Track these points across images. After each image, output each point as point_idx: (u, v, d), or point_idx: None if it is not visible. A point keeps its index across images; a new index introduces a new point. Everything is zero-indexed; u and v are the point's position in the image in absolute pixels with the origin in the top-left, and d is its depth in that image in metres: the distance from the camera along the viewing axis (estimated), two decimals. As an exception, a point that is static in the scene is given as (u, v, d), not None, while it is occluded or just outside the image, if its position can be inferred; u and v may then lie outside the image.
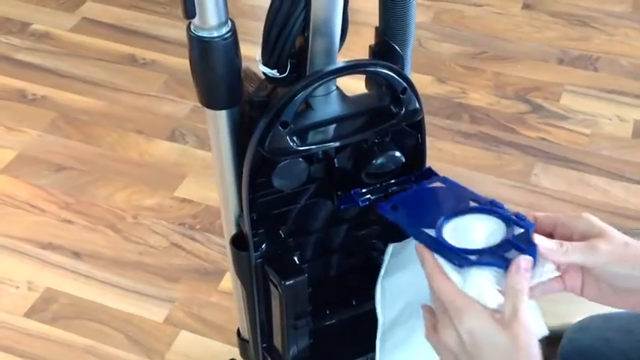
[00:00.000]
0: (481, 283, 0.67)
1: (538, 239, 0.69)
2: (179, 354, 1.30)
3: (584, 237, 0.70)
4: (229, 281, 1.20)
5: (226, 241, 0.91)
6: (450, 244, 0.70)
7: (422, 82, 1.79)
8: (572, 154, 1.67)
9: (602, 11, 2.08)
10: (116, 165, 1.63)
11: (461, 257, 0.69)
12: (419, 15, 1.99)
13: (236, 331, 1.09)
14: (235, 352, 1.13)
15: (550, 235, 0.71)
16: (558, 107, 1.79)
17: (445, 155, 1.65)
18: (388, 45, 0.84)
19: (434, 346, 0.70)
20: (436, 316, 0.69)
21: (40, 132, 1.70)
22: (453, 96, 1.81)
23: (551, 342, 1.19)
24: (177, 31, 1.92)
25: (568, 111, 1.77)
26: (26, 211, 1.53)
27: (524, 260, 0.67)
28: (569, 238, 0.70)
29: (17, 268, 1.43)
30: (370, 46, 0.86)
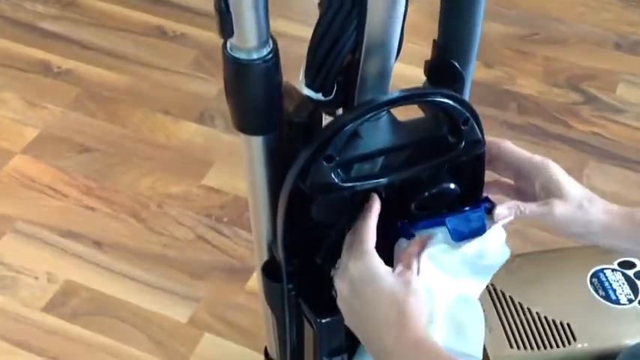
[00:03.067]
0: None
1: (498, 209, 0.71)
2: (203, 358, 1.23)
3: (542, 189, 0.73)
4: (257, 281, 1.14)
5: (257, 268, 0.83)
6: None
7: (467, 66, 1.67)
8: (628, 152, 1.55)
9: (665, -9, 1.93)
10: (141, 148, 1.55)
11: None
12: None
13: (263, 349, 1.02)
14: (262, 358, 1.06)
15: (512, 170, 0.75)
16: (614, 99, 1.66)
17: (490, 149, 1.54)
18: (448, 63, 0.74)
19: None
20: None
21: (63, 109, 1.62)
22: (499, 82, 1.69)
23: (600, 364, 1.12)
24: (210, 2, 1.81)
25: (625, 103, 1.65)
26: (47, 195, 1.46)
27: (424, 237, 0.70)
28: (530, 186, 0.74)
29: (36, 257, 1.37)
30: (426, 62, 0.76)
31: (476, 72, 1.76)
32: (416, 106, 0.74)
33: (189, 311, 1.29)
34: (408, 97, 0.66)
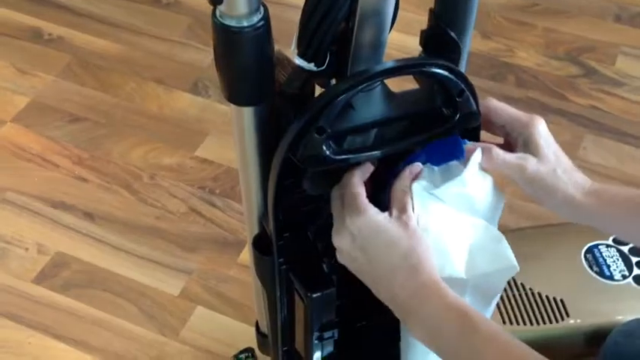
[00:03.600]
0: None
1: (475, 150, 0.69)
2: (194, 331, 1.22)
3: (523, 145, 0.72)
4: (249, 254, 1.13)
5: (249, 242, 0.82)
6: None
7: (466, 37, 1.64)
8: (625, 126, 1.53)
9: (667, -38, 1.90)
10: (134, 117, 1.53)
11: None
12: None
13: (255, 323, 1.01)
14: (254, 332, 1.05)
15: (501, 128, 0.73)
16: (613, 72, 1.64)
17: (487, 122, 1.52)
18: (444, 32, 0.72)
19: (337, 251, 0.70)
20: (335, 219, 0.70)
21: (55, 77, 1.59)
22: (498, 54, 1.67)
23: (594, 340, 1.11)
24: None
25: (623, 76, 1.63)
26: (38, 165, 1.44)
27: (414, 167, 0.68)
28: (514, 140, 0.73)
29: (27, 228, 1.35)
30: (422, 32, 0.74)
31: (474, 43, 1.74)
32: (411, 77, 0.72)
33: (181, 284, 1.28)
34: (402, 68, 0.64)
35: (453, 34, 0.72)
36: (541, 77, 1.62)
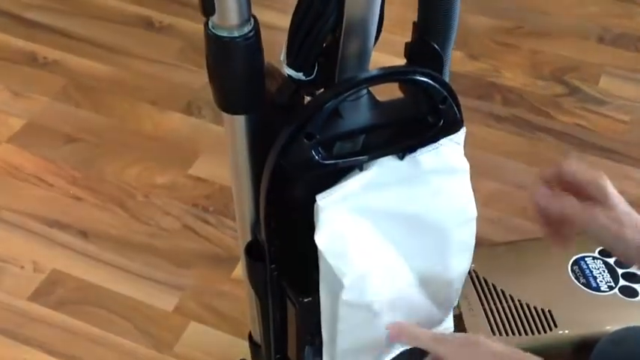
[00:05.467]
0: None
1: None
2: (189, 346, 1.24)
3: (602, 199, 0.71)
4: (242, 269, 1.15)
5: (240, 249, 0.84)
6: None
7: (452, 58, 1.68)
8: (609, 143, 1.57)
9: (649, -15, 1.95)
10: (127, 138, 1.55)
11: None
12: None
13: (248, 333, 1.03)
14: (247, 346, 1.06)
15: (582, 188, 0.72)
16: (596, 91, 1.68)
17: (474, 139, 1.52)
18: (427, 44, 0.75)
19: None
20: None
21: (50, 99, 1.62)
22: (485, 74, 1.71)
23: (582, 350, 1.13)
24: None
25: (607, 95, 1.67)
26: (33, 184, 1.46)
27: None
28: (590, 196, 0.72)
29: (23, 247, 1.37)
30: (406, 44, 0.77)
31: (461, 64, 1.79)
32: (397, 88, 0.75)
33: (175, 300, 1.30)
34: (387, 75, 0.67)
35: (435, 45, 0.75)
36: (526, 96, 1.66)
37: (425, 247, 0.75)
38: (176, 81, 1.66)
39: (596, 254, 1.25)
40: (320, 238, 0.70)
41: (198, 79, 1.65)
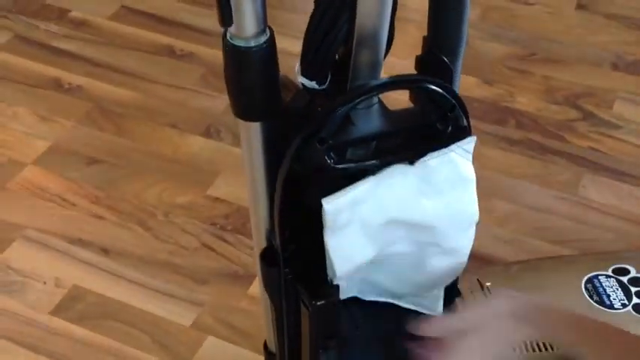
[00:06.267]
0: None
1: None
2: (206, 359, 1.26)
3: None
4: (259, 286, 1.17)
5: (256, 255, 0.87)
6: None
7: (467, 83, 1.72)
8: (623, 166, 1.58)
9: (661, 14, 1.98)
10: (149, 160, 1.59)
11: None
12: (467, 13, 1.92)
13: (263, 342, 1.05)
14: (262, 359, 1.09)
15: None
16: (610, 115, 1.70)
17: (489, 162, 1.58)
18: (437, 57, 0.78)
19: None
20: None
21: (75, 123, 1.67)
22: (499, 99, 1.73)
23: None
24: (216, 22, 1.87)
25: (621, 119, 1.69)
26: (57, 204, 1.51)
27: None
28: None
29: (45, 263, 1.40)
30: (417, 57, 0.80)
31: (477, 89, 1.83)
32: (407, 98, 0.78)
33: (193, 315, 1.32)
34: (398, 82, 0.70)
35: (445, 58, 0.78)
36: (540, 121, 1.68)
37: (425, 248, 0.78)
38: (196, 106, 1.71)
39: (609, 272, 1.26)
40: (328, 240, 0.73)
41: (218, 103, 1.70)
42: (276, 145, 0.77)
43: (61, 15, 1.95)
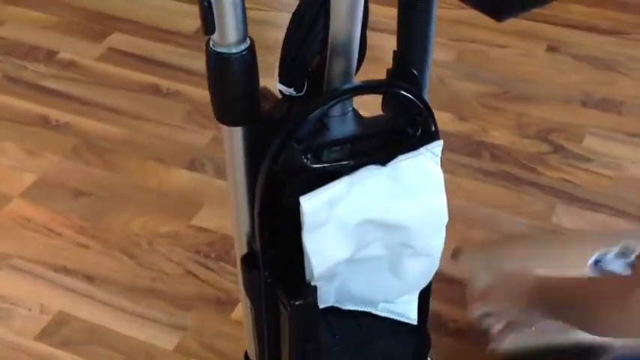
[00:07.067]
0: None
1: None
2: (188, 383, 1.28)
3: None
4: (241, 311, 1.20)
5: (237, 260, 0.90)
6: None
7: (443, 119, 1.77)
8: (594, 197, 1.64)
9: (628, 56, 2.06)
10: (134, 192, 1.63)
11: None
12: (442, 53, 2.01)
13: (244, 353, 1.07)
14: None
15: None
16: (581, 149, 1.77)
17: (464, 192, 1.63)
18: (406, 69, 0.84)
19: None
20: None
21: (62, 158, 1.71)
22: (473, 134, 1.80)
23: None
24: (201, 62, 1.92)
25: (591, 153, 1.75)
26: (43, 234, 1.53)
27: None
28: None
29: (30, 291, 1.43)
30: (387, 70, 0.86)
31: (451, 125, 1.89)
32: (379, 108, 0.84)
33: (175, 339, 1.34)
34: (369, 87, 0.76)
35: (414, 71, 0.84)
36: (513, 153, 1.74)
37: (399, 250, 0.82)
38: (181, 140, 1.76)
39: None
40: (306, 239, 0.77)
41: (202, 138, 1.75)
42: (257, 151, 0.82)
43: (49, 56, 2.01)
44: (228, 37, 0.73)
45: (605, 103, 1.91)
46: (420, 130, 0.79)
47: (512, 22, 2.12)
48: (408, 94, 0.77)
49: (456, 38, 2.08)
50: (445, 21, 2.06)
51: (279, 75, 0.78)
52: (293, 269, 0.86)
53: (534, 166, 1.71)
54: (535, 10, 2.16)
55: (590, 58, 2.06)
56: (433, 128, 0.80)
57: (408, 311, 0.94)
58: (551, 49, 2.09)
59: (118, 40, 2.07)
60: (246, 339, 1.02)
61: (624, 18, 2.17)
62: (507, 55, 2.07)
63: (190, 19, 2.10)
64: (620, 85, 1.97)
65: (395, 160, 0.77)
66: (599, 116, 1.87)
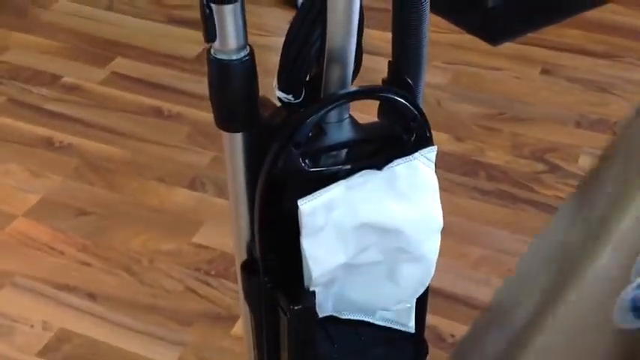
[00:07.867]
0: None
1: None
2: (188, 397, 1.29)
3: None
4: (241, 327, 1.21)
5: (237, 267, 0.92)
6: None
7: (439, 139, 1.78)
8: (589, 213, 1.66)
9: (622, 78, 2.10)
10: (136, 211, 1.65)
11: None
12: (438, 76, 2.05)
13: (244, 365, 1.09)
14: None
15: None
16: (576, 168, 1.79)
17: (461, 210, 1.66)
18: (401, 78, 0.86)
19: None
20: None
21: (64, 178, 1.74)
22: (470, 154, 1.83)
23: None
24: (202, 86, 1.96)
25: (586, 172, 1.78)
26: (45, 252, 1.55)
27: None
28: None
29: (33, 308, 1.44)
30: (383, 79, 0.88)
31: (448, 145, 1.91)
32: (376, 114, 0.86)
33: (176, 355, 1.36)
34: (365, 92, 0.78)
35: (409, 80, 0.87)
36: (509, 173, 1.77)
37: (395, 254, 0.84)
38: (182, 161, 1.78)
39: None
40: (305, 243, 0.79)
41: (203, 158, 1.77)
42: (256, 158, 0.84)
43: (53, 80, 2.05)
44: (229, 44, 0.75)
45: (600, 123, 1.94)
46: (414, 136, 0.81)
47: (507, 46, 2.18)
48: (403, 100, 0.79)
49: (452, 61, 2.12)
50: (442, 45, 2.10)
51: (278, 82, 0.80)
52: (292, 275, 0.88)
53: (530, 185, 1.74)
54: (529, 34, 2.22)
55: (583, 80, 2.09)
56: (428, 135, 0.82)
57: (405, 319, 0.96)
58: (545, 71, 2.13)
59: (121, 64, 2.11)
60: (246, 355, 1.04)
61: (617, 41, 2.22)
62: (503, 77, 2.11)
63: (191, 44, 2.14)
64: (614, 106, 2.00)
65: (390, 165, 0.79)
66: (594, 137, 1.90)
